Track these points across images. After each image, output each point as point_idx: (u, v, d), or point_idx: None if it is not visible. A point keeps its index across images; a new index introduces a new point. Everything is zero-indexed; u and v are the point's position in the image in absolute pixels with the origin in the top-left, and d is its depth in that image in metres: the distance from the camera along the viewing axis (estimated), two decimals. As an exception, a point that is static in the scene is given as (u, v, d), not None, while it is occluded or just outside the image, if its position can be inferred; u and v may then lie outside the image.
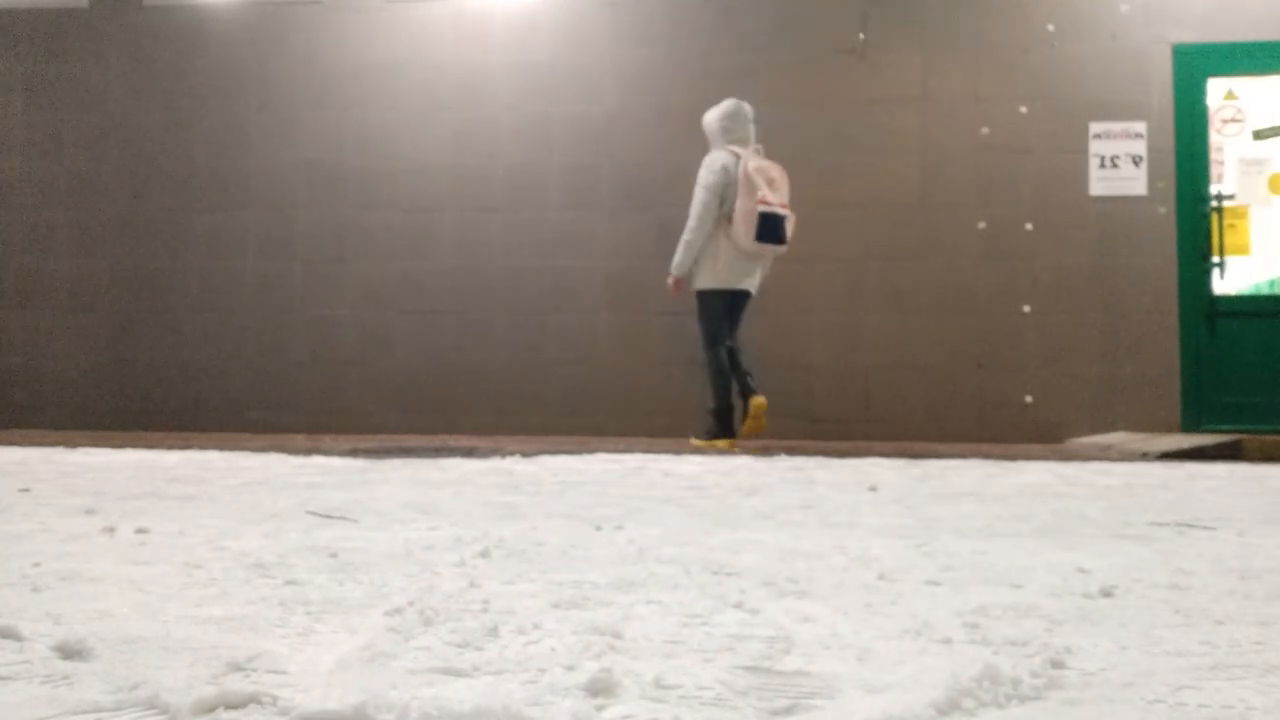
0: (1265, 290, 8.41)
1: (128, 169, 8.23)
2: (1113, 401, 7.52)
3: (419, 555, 2.65)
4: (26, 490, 4.07)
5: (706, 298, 6.82)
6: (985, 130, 7.70)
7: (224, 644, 1.76)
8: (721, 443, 6.73)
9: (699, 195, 6.74)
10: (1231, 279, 7.85)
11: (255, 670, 1.61)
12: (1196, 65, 7.64)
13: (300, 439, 7.31)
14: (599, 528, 3.15)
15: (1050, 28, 7.70)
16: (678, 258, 6.80)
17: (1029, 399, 7.58)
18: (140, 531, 2.98)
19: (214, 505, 3.67)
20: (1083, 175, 7.64)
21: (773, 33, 7.86)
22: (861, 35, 7.79)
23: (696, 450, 6.51)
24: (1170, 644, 1.83)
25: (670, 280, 6.87)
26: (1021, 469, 5.43)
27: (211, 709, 1.42)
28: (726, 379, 6.77)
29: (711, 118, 6.88)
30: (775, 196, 6.70)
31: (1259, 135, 8.43)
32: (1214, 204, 7.60)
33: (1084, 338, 7.58)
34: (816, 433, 7.58)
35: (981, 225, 7.67)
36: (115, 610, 2.01)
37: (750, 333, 7.00)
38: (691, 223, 6.75)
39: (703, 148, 7.00)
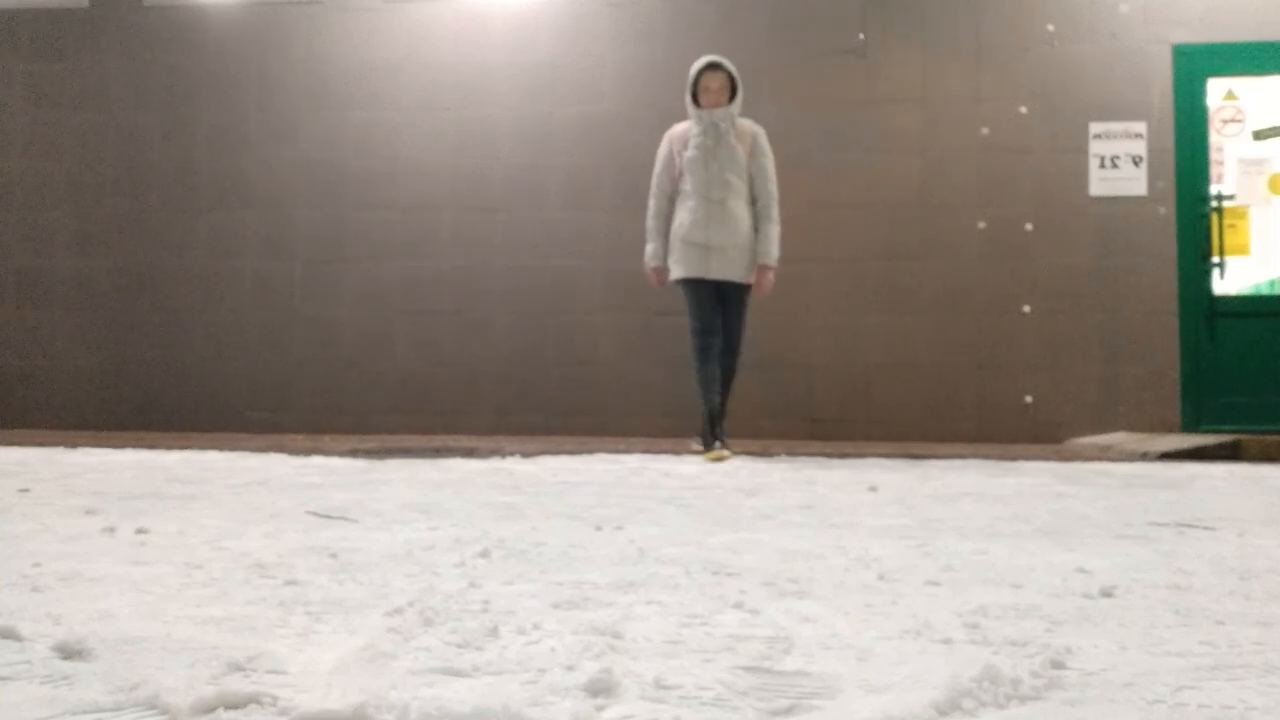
0: (1265, 290, 8.41)
1: (128, 169, 8.23)
2: (1113, 401, 7.52)
3: (419, 555, 2.65)
4: (26, 490, 4.07)
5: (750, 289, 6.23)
6: (985, 130, 7.70)
7: (224, 644, 1.75)
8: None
9: (773, 174, 6.14)
10: (1231, 279, 7.85)
11: (255, 670, 1.61)
12: (1196, 65, 7.64)
13: (300, 439, 7.31)
14: (599, 528, 3.15)
15: (1050, 28, 7.70)
16: (776, 249, 6.13)
17: (1029, 399, 7.57)
18: (140, 531, 2.97)
19: (214, 505, 3.66)
20: (1083, 175, 7.64)
21: (773, 33, 7.86)
22: (861, 35, 7.79)
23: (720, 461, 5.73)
24: (1171, 644, 1.83)
25: (770, 274, 6.13)
26: (1021, 469, 5.43)
27: (211, 709, 1.42)
28: None
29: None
30: None
31: (1259, 135, 8.43)
32: (1214, 204, 7.59)
33: (1084, 338, 7.57)
34: (816, 433, 7.57)
35: (981, 225, 7.67)
36: (115, 610, 2.01)
37: (750, 333, 6.90)
38: (776, 204, 6.13)
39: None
